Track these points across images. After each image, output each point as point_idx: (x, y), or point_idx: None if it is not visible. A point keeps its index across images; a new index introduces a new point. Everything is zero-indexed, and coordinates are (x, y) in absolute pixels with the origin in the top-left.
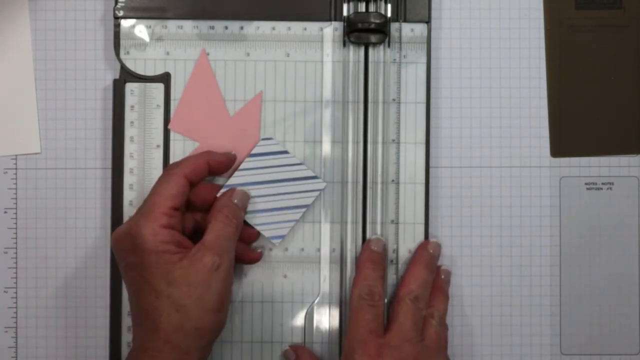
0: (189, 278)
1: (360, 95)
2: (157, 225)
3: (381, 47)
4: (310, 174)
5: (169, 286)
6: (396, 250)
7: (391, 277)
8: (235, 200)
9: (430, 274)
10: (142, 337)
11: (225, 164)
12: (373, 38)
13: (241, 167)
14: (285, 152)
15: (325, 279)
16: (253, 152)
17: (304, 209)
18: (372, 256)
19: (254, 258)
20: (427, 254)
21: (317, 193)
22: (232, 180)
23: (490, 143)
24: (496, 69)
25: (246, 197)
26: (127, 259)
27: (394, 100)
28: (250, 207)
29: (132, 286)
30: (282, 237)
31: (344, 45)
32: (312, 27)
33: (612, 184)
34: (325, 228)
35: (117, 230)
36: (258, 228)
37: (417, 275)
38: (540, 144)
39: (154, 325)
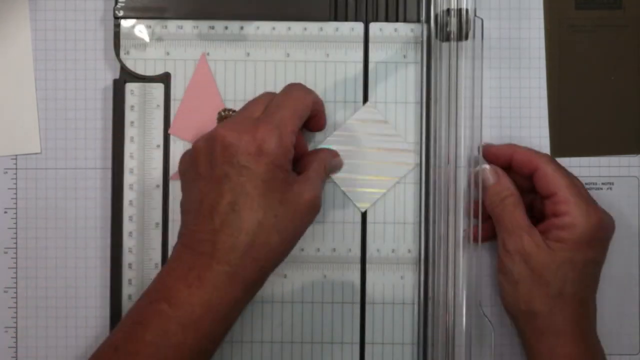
0: (298, 205)
1: (360, 95)
2: (288, 141)
3: (381, 46)
4: (406, 146)
5: (281, 205)
6: (396, 250)
7: (394, 277)
8: (333, 162)
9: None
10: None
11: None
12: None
13: (341, 129)
14: (385, 122)
15: (325, 278)
16: (355, 116)
17: (394, 181)
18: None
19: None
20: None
21: (410, 167)
22: (330, 140)
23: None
24: (496, 69)
25: (340, 165)
26: (240, 160)
27: (393, 100)
28: (342, 170)
29: (228, 193)
30: (366, 208)
31: (441, 40)
32: (312, 27)
33: (612, 184)
34: (326, 228)
35: (229, 127)
36: (346, 192)
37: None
38: (540, 144)
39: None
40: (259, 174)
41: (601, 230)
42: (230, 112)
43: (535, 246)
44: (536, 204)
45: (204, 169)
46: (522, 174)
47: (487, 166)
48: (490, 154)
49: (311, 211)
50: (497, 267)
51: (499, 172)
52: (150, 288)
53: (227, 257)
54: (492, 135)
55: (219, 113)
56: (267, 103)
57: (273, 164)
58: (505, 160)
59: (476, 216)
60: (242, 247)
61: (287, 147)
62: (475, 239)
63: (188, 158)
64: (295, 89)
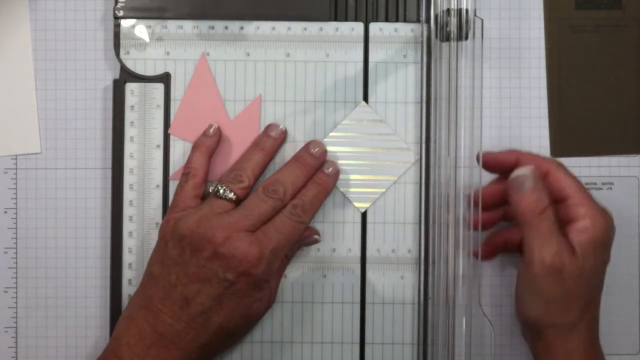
0: (257, 316)
1: (360, 95)
2: (275, 267)
3: (381, 46)
4: (403, 145)
5: (242, 318)
6: (396, 250)
7: (394, 277)
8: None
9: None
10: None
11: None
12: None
13: (335, 130)
14: (381, 120)
15: (325, 278)
16: (350, 116)
17: (392, 181)
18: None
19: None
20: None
21: (408, 165)
22: (325, 142)
23: (490, 143)
24: (496, 69)
25: (314, 242)
26: (227, 275)
27: (393, 100)
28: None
29: (204, 296)
30: (365, 208)
31: (441, 40)
32: (312, 27)
33: (612, 184)
34: (326, 228)
35: (224, 234)
36: (345, 193)
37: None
38: (540, 144)
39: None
40: (237, 289)
41: (611, 230)
42: (223, 191)
43: (568, 257)
44: None
45: (187, 260)
46: None
47: (526, 171)
48: (491, 160)
49: (263, 315)
50: (519, 282)
51: (537, 177)
52: (107, 355)
53: (186, 346)
54: (492, 135)
55: (216, 188)
56: (273, 210)
57: (254, 284)
58: (509, 166)
59: (477, 204)
60: (200, 342)
61: (273, 272)
62: (476, 227)
63: (172, 232)
64: (291, 219)
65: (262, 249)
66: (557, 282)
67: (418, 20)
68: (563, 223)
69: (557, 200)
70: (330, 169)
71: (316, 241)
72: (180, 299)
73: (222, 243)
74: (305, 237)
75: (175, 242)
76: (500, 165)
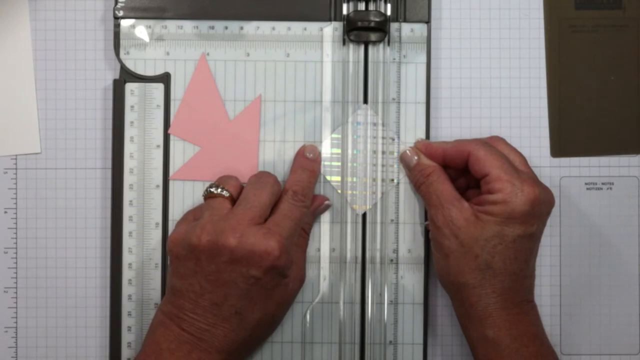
0: (291, 298)
1: (360, 95)
2: (293, 252)
3: (381, 46)
4: (403, 146)
5: (278, 306)
6: (396, 250)
7: (391, 277)
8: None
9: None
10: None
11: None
12: (373, 36)
13: (338, 131)
14: (382, 123)
15: (325, 278)
16: (352, 118)
17: (392, 184)
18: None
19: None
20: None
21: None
22: (327, 143)
23: None
24: (496, 69)
25: (326, 209)
26: (251, 271)
27: (393, 100)
28: (340, 174)
29: (233, 298)
30: (364, 211)
31: (344, 44)
32: (312, 27)
33: (612, 184)
34: (325, 228)
35: (238, 235)
36: (345, 196)
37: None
38: (540, 144)
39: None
40: (264, 283)
41: (536, 206)
42: (220, 191)
43: (463, 219)
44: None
45: (205, 267)
46: (458, 165)
47: (407, 148)
48: (425, 152)
49: (297, 293)
50: (431, 242)
51: (419, 152)
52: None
53: (226, 347)
54: (492, 135)
55: (207, 190)
56: (272, 196)
57: (278, 274)
58: (440, 157)
59: None
60: (240, 340)
61: (292, 256)
62: None
63: (182, 246)
64: (295, 201)
65: (278, 238)
66: (454, 240)
67: (418, 21)
68: (483, 194)
69: (480, 177)
70: (312, 154)
71: (328, 207)
72: (211, 305)
73: (237, 244)
74: (318, 206)
75: (188, 254)
76: (433, 157)
